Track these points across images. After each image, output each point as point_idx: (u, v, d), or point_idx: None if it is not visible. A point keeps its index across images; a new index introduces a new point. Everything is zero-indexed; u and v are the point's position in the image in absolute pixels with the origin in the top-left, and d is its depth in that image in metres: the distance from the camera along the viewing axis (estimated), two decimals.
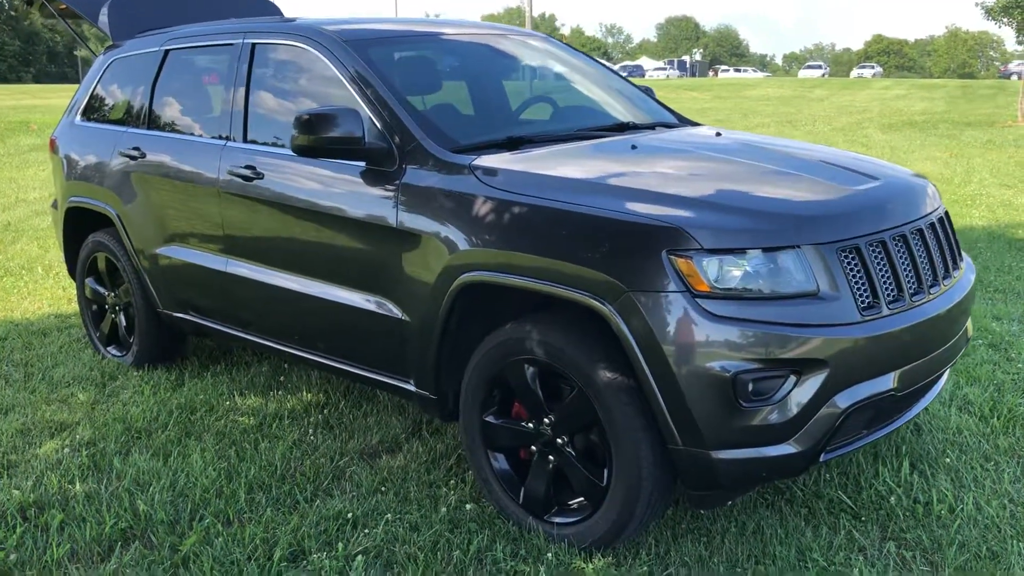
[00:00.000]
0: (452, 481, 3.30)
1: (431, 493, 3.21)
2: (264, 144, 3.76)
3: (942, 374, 3.03)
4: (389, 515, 3.03)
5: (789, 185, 2.90)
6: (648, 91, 4.45)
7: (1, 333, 5.25)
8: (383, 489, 3.25)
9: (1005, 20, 21.87)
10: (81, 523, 3.03)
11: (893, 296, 2.67)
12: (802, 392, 2.49)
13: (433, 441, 3.65)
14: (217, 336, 4.20)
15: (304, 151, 3.23)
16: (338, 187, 3.34)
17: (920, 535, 2.86)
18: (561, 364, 2.70)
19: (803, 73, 72.43)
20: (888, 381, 2.63)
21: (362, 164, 3.25)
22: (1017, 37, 22.24)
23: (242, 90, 3.86)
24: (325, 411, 3.99)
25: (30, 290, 6.33)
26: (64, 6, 5.21)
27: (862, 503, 3.05)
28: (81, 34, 5.96)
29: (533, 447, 2.89)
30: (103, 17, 4.94)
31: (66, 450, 3.63)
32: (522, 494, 2.94)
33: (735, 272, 2.49)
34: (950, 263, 3.02)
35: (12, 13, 65.44)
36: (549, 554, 2.76)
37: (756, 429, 2.49)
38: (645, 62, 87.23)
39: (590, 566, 2.71)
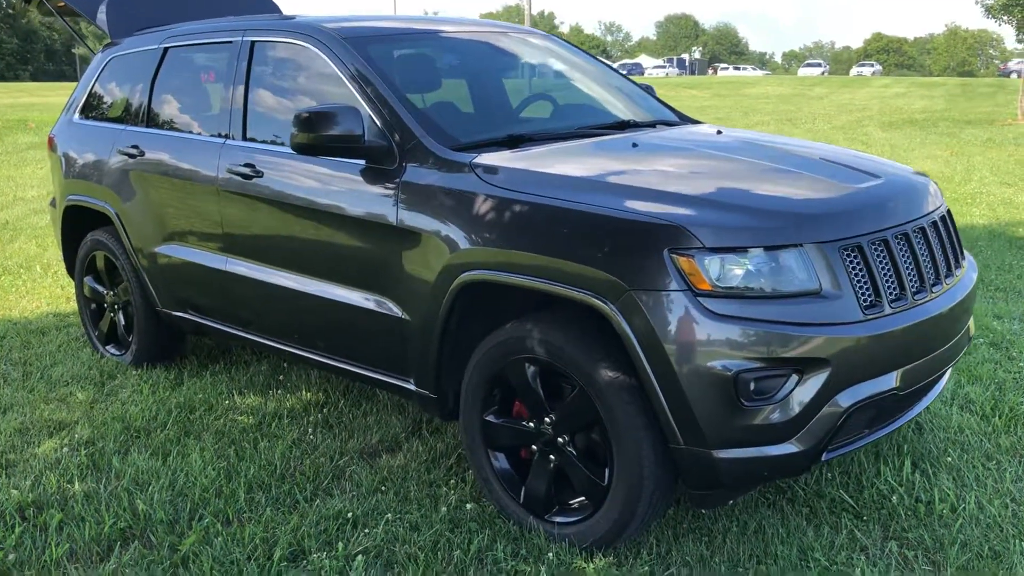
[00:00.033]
0: (452, 480, 3.29)
1: (431, 492, 3.20)
2: (263, 142, 3.75)
3: (944, 373, 3.02)
4: (389, 515, 3.02)
5: (791, 183, 2.89)
6: (649, 89, 4.44)
7: None
8: (383, 488, 3.24)
9: (1005, 18, 21.88)
10: (80, 523, 3.02)
11: (895, 295, 2.66)
12: (804, 391, 2.48)
13: (433, 440, 3.64)
14: (216, 335, 4.19)
15: (304, 149, 3.22)
16: (338, 185, 3.32)
17: (922, 534, 2.85)
18: (562, 363, 2.69)
19: (803, 71, 72.44)
20: (890, 380, 2.62)
21: (362, 162, 3.23)
22: (1017, 35, 22.25)
23: (241, 88, 3.85)
24: (325, 410, 3.98)
25: (28, 289, 6.32)
26: (62, 4, 5.19)
27: (864, 502, 3.04)
28: (79, 32, 5.94)
29: (534, 446, 2.88)
30: (101, 15, 4.93)
31: (65, 449, 3.62)
32: (523, 493, 2.93)
33: (737, 271, 2.48)
34: (952, 261, 3.01)
35: (10, 11, 65.37)
36: (550, 554, 2.75)
37: (758, 428, 2.48)
38: (644, 60, 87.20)
39: (591, 566, 2.70)
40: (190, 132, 4.16)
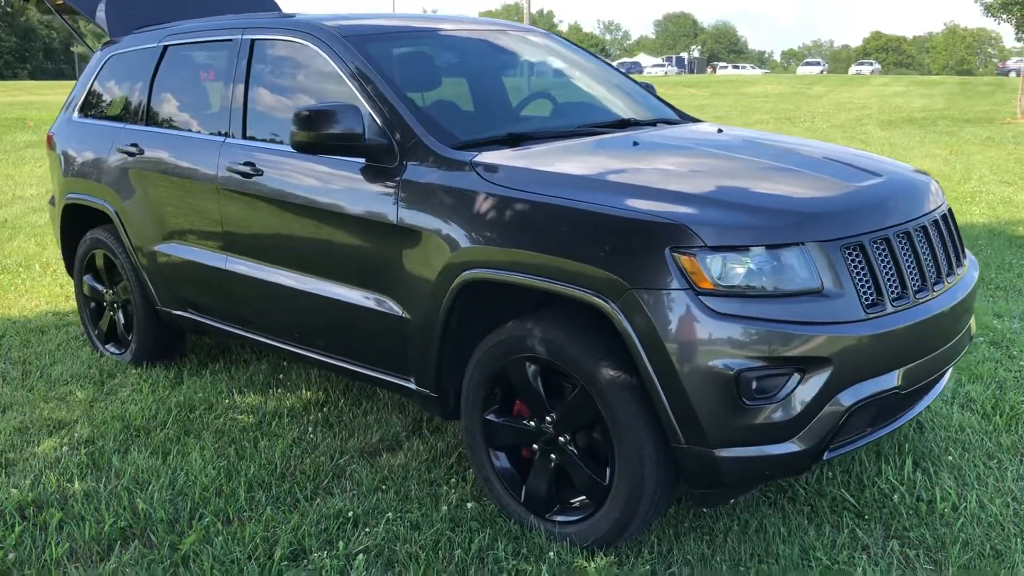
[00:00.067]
0: (453, 479, 3.28)
1: (432, 492, 3.20)
2: (263, 140, 3.74)
3: (945, 372, 3.02)
4: (390, 514, 3.02)
5: (792, 182, 2.88)
6: (649, 87, 4.43)
7: None
8: (384, 487, 3.23)
9: (1004, 17, 21.87)
10: (80, 522, 3.01)
11: (897, 294, 2.65)
12: (806, 390, 2.47)
13: (434, 439, 3.63)
14: (216, 334, 4.18)
15: (304, 147, 3.21)
16: (338, 184, 3.32)
17: (923, 533, 2.85)
18: (563, 362, 2.69)
19: (802, 70, 72.43)
20: (892, 379, 2.62)
21: (362, 161, 3.23)
22: (1016, 34, 22.23)
23: (241, 86, 3.84)
24: (325, 409, 3.97)
25: (27, 287, 6.31)
26: (61, 2, 5.18)
27: (865, 501, 3.04)
28: (78, 30, 5.92)
29: (535, 445, 2.88)
30: (100, 13, 4.92)
31: (64, 448, 3.61)
32: (524, 492, 2.92)
33: (738, 269, 2.48)
34: (953, 260, 3.01)
35: (8, 9, 65.27)
36: (551, 553, 2.74)
37: (759, 427, 2.47)
38: (643, 59, 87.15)
39: (592, 565, 2.69)
40: (190, 130, 4.15)
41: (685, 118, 4.13)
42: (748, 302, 2.45)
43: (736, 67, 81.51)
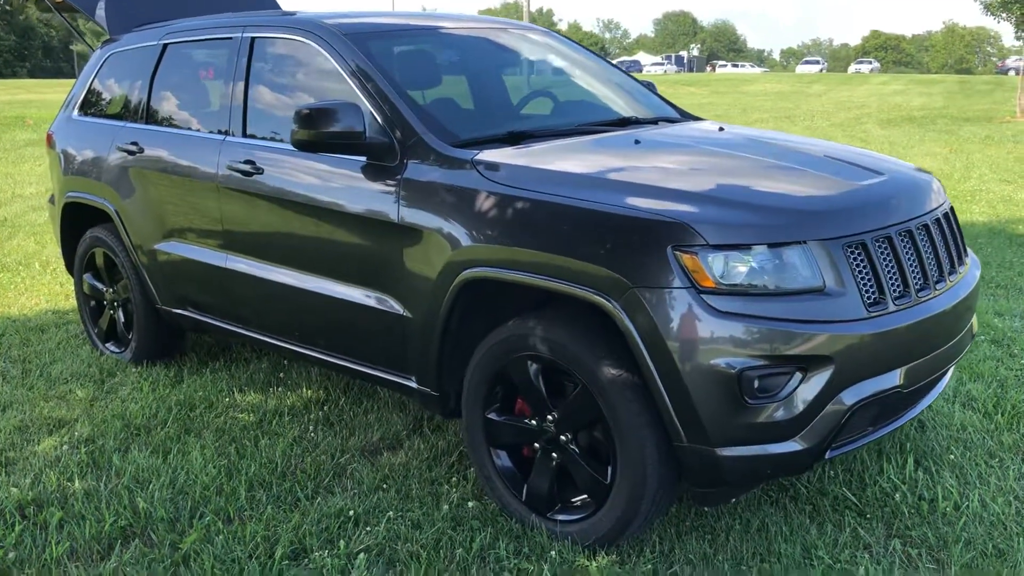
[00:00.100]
0: (454, 478, 3.28)
1: (433, 490, 3.19)
2: (264, 139, 3.73)
3: (947, 371, 3.02)
4: (391, 513, 3.01)
5: (794, 180, 2.88)
6: (650, 86, 4.43)
7: None
8: (384, 487, 3.23)
9: (1004, 15, 21.86)
10: (80, 521, 3.01)
11: (899, 292, 2.65)
12: (808, 389, 2.47)
13: (434, 438, 3.63)
14: (216, 332, 4.17)
15: (304, 146, 3.21)
16: (338, 182, 3.31)
17: (926, 532, 2.84)
18: (564, 361, 2.68)
19: (801, 68, 72.37)
20: (894, 378, 2.61)
21: (363, 159, 3.22)
22: (1016, 32, 22.22)
23: (241, 84, 3.83)
24: (325, 408, 3.97)
25: (27, 286, 6.30)
26: (61, 0, 5.17)
27: (867, 500, 3.04)
28: (78, 28, 5.92)
29: (536, 444, 2.87)
30: (100, 11, 4.91)
31: (65, 447, 3.60)
32: (525, 491, 2.92)
33: (740, 268, 2.47)
34: (955, 259, 3.00)
35: (8, 7, 65.20)
36: (553, 552, 2.74)
37: (761, 426, 2.47)
38: (642, 57, 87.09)
39: (594, 564, 2.69)
40: (190, 129, 4.14)
41: (686, 116, 4.13)
42: (750, 301, 2.45)
43: (735, 66, 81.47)
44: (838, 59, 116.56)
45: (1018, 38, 22.80)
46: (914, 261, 2.74)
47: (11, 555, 2.83)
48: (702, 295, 2.44)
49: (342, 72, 3.41)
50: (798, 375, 2.46)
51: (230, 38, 3.97)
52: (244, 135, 3.79)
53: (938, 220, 2.94)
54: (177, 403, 4.03)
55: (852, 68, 73.39)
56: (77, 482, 3.28)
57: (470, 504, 3.06)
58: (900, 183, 2.94)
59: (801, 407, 2.47)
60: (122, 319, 4.69)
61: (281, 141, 3.62)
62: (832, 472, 3.22)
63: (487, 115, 3.94)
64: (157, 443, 3.62)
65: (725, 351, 2.42)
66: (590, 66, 4.39)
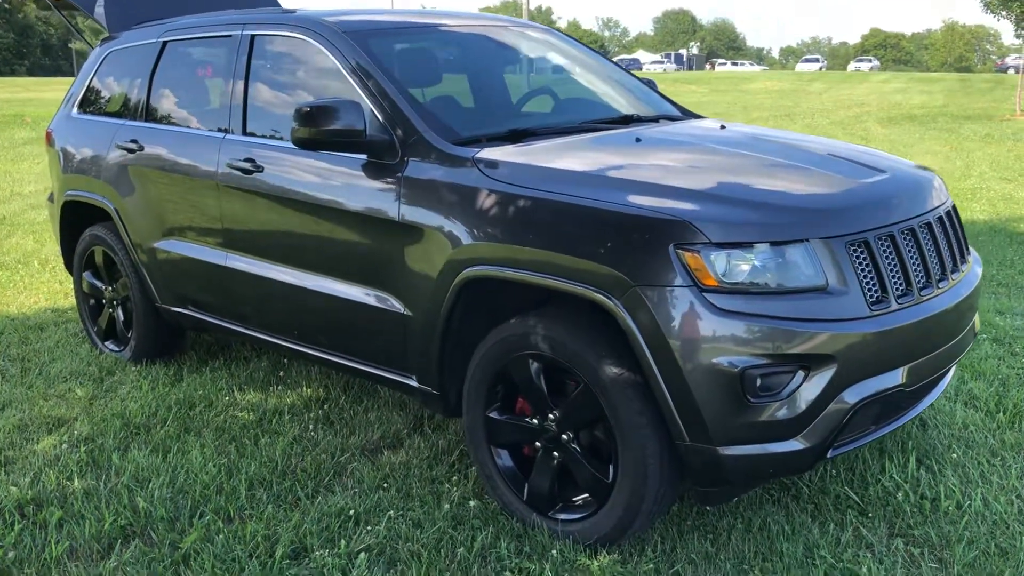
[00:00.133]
0: (455, 477, 3.27)
1: (434, 489, 3.18)
2: (263, 137, 3.72)
3: (949, 369, 3.01)
4: (391, 512, 3.01)
5: (797, 178, 2.87)
6: (650, 83, 4.42)
7: None
8: (385, 486, 3.22)
9: (1004, 13, 21.84)
10: (80, 520, 3.00)
11: (901, 291, 2.64)
12: (810, 388, 2.46)
13: (435, 437, 3.62)
14: (216, 331, 4.16)
15: (304, 144, 3.20)
16: (339, 180, 3.30)
17: (928, 531, 2.83)
18: (566, 359, 2.67)
19: (800, 67, 72.37)
20: (897, 376, 2.61)
21: (363, 157, 3.21)
22: (1015, 30, 22.20)
23: (241, 82, 3.82)
24: (325, 406, 3.96)
25: (26, 284, 6.29)
26: None
27: (869, 499, 3.03)
28: (76, 26, 5.89)
29: (537, 443, 2.86)
30: (99, 8, 4.89)
31: (64, 446, 3.59)
32: (526, 490, 2.91)
33: (743, 266, 2.46)
34: (958, 257, 2.99)
35: (6, 5, 65.11)
36: (554, 551, 2.73)
37: (764, 425, 2.46)
38: (642, 55, 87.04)
39: (595, 563, 2.68)
40: (189, 127, 4.13)
41: (687, 114, 4.12)
42: (752, 299, 2.44)
43: (735, 64, 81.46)
44: (837, 57, 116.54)
45: (1018, 36, 22.78)
46: (916, 259, 2.73)
47: (10, 554, 2.82)
48: (704, 293, 2.43)
49: (342, 70, 3.40)
50: (800, 374, 2.45)
51: (230, 36, 3.95)
52: (244, 133, 3.77)
53: (940, 218, 2.93)
54: (177, 402, 4.02)
55: (852, 66, 73.36)
56: (76, 481, 3.27)
57: (471, 503, 3.05)
58: (902, 181, 2.93)
59: (803, 406, 2.46)
60: (121, 317, 4.67)
61: (281, 139, 3.61)
62: (834, 471, 3.21)
63: (488, 113, 3.93)
64: (157, 442, 3.61)
65: (727, 350, 2.41)
66: (591, 64, 4.37)
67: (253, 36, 3.84)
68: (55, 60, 70.10)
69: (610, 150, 3.24)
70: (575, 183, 2.74)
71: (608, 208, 2.59)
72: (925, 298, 2.70)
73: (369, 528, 2.92)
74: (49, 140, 5.01)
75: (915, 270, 2.71)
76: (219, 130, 3.88)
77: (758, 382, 2.42)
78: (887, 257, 2.63)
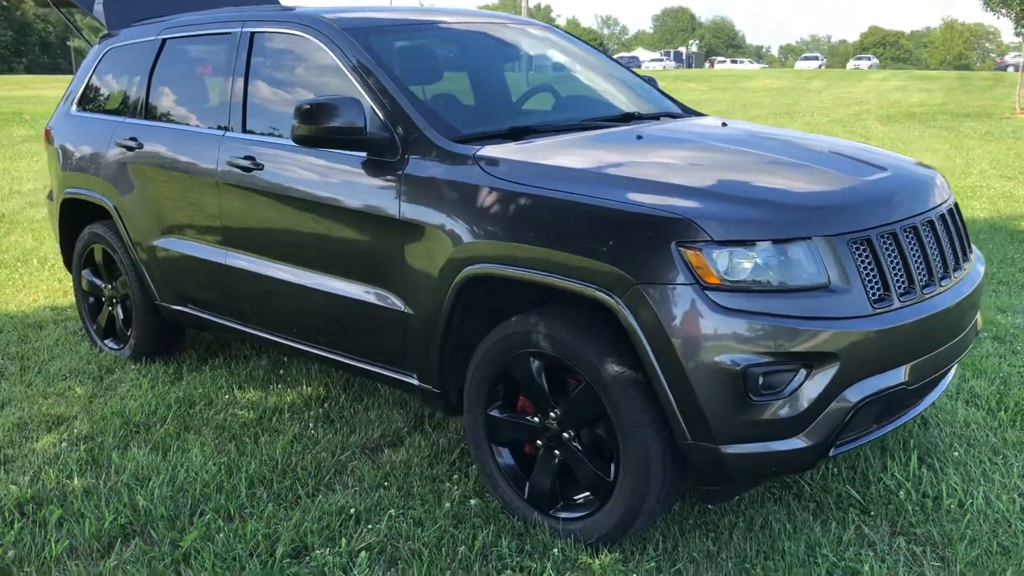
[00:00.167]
0: (456, 476, 3.26)
1: (434, 488, 3.18)
2: (263, 134, 3.71)
3: (951, 368, 3.00)
4: (392, 510, 3.00)
5: (799, 176, 2.86)
6: (651, 81, 4.41)
7: None
8: (386, 484, 3.21)
9: (1003, 11, 21.81)
10: (80, 519, 2.99)
11: (904, 288, 2.63)
12: (812, 386, 2.45)
13: (436, 435, 3.61)
14: (216, 329, 4.15)
15: (305, 141, 3.18)
16: (339, 178, 3.29)
17: (930, 530, 2.83)
18: (567, 358, 2.66)
19: (800, 65, 72.34)
20: (899, 375, 2.60)
21: (363, 155, 3.20)
22: (1015, 28, 22.17)
23: (241, 80, 3.80)
24: (326, 405, 3.95)
25: (25, 282, 6.28)
26: None
27: (871, 498, 3.02)
28: (75, 24, 5.88)
29: (538, 441, 2.85)
30: (98, 6, 4.88)
31: (64, 444, 3.59)
32: (527, 489, 2.90)
33: (745, 264, 2.45)
34: (960, 255, 2.98)
35: (4, 3, 64.98)
36: (555, 550, 2.72)
37: (766, 423, 2.45)
38: (641, 53, 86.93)
39: (597, 562, 2.67)
40: (189, 124, 4.12)
41: (688, 112, 4.11)
42: (755, 297, 2.43)
43: (734, 62, 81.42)
44: (836, 55, 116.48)
45: (1017, 34, 22.76)
46: (919, 257, 2.72)
47: (10, 553, 2.82)
48: (706, 291, 2.42)
49: (342, 67, 3.39)
50: (803, 372, 2.44)
51: (229, 33, 3.94)
52: (244, 131, 3.76)
53: (943, 216, 2.92)
54: (176, 400, 4.01)
55: (851, 64, 73.33)
56: (76, 480, 3.27)
57: (472, 502, 3.04)
58: (905, 179, 2.93)
59: (805, 404, 2.45)
60: (121, 316, 4.67)
61: (281, 137, 3.60)
62: (836, 469, 3.20)
63: (488, 111, 3.92)
64: (156, 440, 3.61)
65: (729, 348, 2.40)
66: (591, 61, 4.37)
67: (253, 33, 3.83)
68: (53, 58, 70.04)
69: (611, 148, 3.23)
70: (576, 181, 2.73)
71: (610, 206, 2.58)
72: (927, 296, 2.69)
73: (370, 527, 2.92)
74: (48, 138, 5.00)
75: (917, 268, 2.70)
76: (219, 128, 3.87)
77: (760, 380, 2.42)
78: (889, 255, 2.62)
